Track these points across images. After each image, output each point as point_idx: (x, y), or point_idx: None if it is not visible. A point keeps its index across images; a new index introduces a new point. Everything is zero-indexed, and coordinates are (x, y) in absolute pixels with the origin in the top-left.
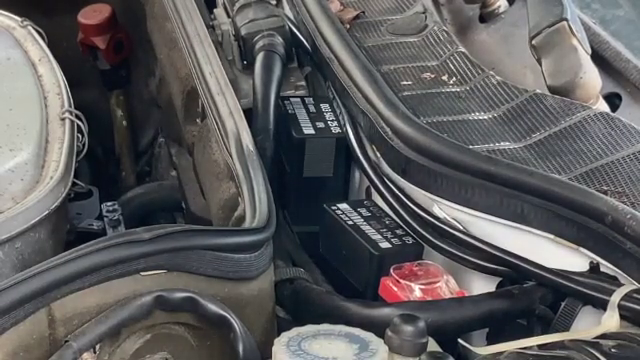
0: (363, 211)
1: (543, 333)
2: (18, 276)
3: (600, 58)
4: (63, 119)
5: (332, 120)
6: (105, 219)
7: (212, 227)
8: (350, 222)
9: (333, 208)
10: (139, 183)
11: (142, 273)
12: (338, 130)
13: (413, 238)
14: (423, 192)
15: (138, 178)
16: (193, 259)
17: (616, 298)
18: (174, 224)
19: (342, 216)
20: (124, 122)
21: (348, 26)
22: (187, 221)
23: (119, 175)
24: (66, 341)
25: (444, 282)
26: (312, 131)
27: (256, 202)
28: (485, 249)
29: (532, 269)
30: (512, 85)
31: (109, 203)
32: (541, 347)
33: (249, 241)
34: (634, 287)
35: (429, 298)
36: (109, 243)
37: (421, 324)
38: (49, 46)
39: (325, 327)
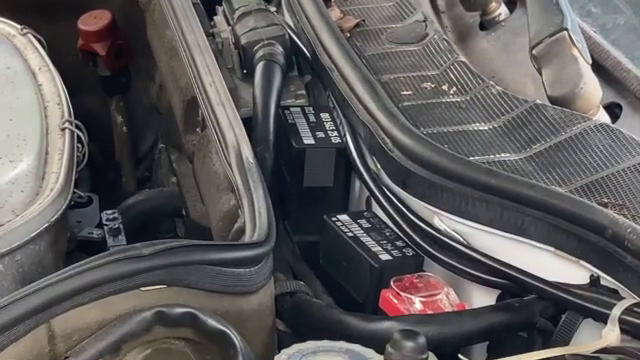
0: (363, 222)
1: (544, 346)
2: (18, 292)
3: (600, 68)
4: (63, 129)
5: (332, 130)
6: (105, 227)
7: (211, 242)
8: (350, 234)
9: (333, 219)
10: (139, 188)
11: (142, 288)
12: (338, 140)
13: (413, 250)
14: (423, 204)
15: (138, 183)
16: (193, 274)
17: (617, 312)
18: (174, 239)
19: (342, 227)
20: (124, 128)
21: (348, 34)
22: (187, 228)
23: (119, 180)
24: (66, 357)
25: (444, 294)
26: (312, 141)
27: (256, 216)
28: (485, 262)
29: (532, 282)
30: (512, 95)
31: (109, 211)
32: None
33: (249, 255)
34: (635, 301)
35: (429, 311)
36: (109, 259)
37: (421, 340)
38: (49, 52)
39: (325, 344)
